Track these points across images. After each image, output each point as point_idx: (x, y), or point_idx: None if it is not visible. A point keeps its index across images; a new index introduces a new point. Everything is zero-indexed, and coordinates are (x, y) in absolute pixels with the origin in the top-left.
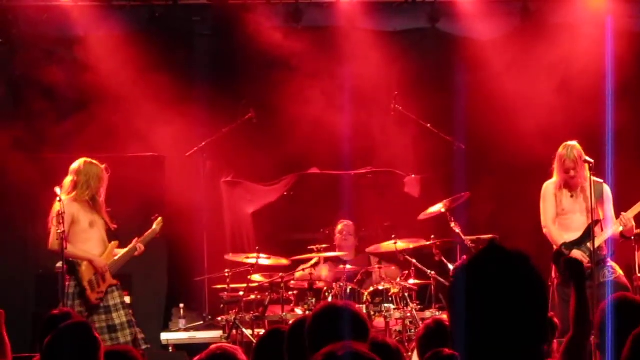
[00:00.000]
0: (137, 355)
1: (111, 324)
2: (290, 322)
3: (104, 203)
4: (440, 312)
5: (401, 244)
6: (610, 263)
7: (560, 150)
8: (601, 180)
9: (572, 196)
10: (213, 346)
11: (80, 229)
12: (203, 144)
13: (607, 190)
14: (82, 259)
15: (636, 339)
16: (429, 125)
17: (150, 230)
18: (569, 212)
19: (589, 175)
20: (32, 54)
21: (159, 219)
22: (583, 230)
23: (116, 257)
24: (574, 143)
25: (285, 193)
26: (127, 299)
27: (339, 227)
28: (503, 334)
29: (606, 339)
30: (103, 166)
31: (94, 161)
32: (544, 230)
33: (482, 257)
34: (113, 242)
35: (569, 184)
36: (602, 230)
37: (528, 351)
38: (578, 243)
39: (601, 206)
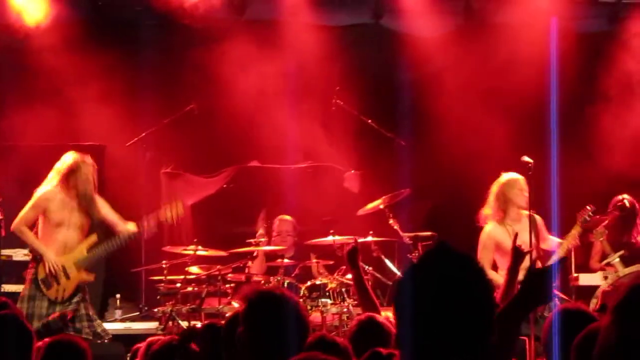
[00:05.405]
0: (83, 345)
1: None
2: (227, 314)
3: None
4: None
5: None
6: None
7: (503, 181)
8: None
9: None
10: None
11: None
12: (144, 134)
13: (539, 219)
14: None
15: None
16: (370, 121)
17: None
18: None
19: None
20: None
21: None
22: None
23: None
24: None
25: (225, 185)
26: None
27: (276, 223)
28: (451, 335)
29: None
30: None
31: None
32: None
33: (429, 258)
34: (91, 235)
35: (523, 204)
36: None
37: (475, 350)
38: None
39: (541, 237)
